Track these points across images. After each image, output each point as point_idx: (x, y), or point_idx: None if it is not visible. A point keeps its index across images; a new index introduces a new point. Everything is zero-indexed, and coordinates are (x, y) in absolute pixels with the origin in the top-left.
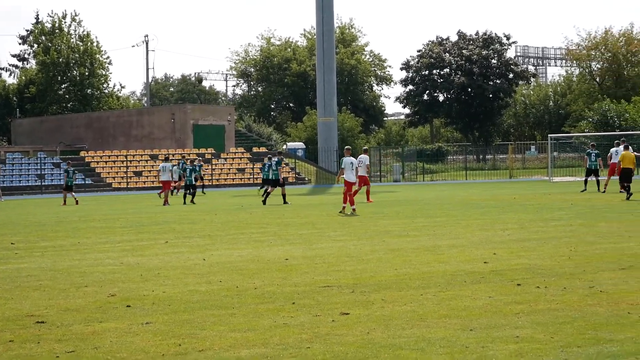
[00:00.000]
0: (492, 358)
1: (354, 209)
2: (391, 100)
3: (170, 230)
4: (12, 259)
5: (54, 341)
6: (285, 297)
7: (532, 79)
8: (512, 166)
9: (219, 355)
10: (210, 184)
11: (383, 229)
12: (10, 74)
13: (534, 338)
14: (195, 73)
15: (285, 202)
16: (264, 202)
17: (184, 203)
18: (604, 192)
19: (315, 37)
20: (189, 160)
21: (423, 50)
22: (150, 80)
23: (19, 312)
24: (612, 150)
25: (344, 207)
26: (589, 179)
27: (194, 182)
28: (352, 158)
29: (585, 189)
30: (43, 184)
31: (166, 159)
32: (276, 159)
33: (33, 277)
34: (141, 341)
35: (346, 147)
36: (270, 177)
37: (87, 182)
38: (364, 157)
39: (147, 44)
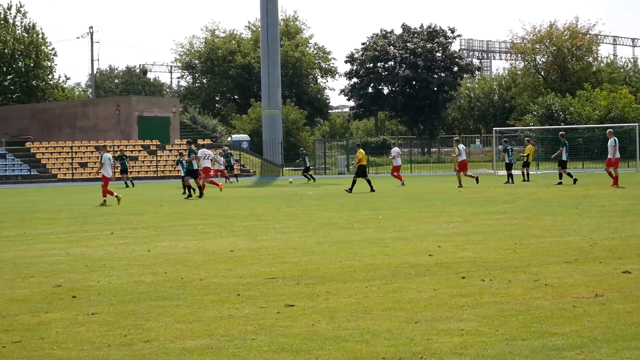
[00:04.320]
0: (437, 350)
1: (104, 201)
2: (336, 93)
3: (115, 221)
4: None
5: (0, 331)
6: (230, 289)
7: (476, 72)
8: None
9: (164, 346)
10: (155, 175)
11: (328, 221)
12: None
13: (479, 331)
14: (139, 65)
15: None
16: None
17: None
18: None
19: (259, 29)
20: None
21: (367, 43)
22: (95, 72)
23: None
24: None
25: (105, 201)
26: (512, 172)
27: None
28: (109, 154)
29: (513, 182)
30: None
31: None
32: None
33: None
34: (87, 332)
35: (103, 145)
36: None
37: (32, 173)
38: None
39: (91, 35)
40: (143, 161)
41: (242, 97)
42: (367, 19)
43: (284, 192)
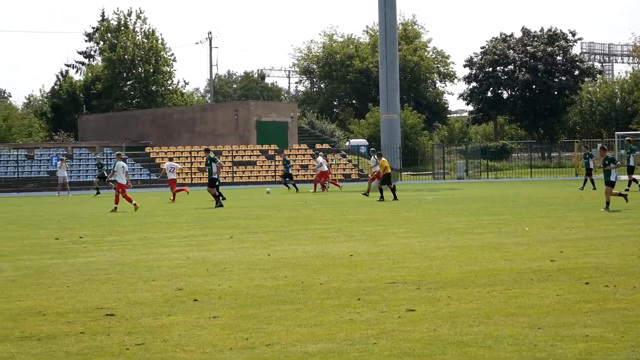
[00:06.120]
0: (561, 356)
1: (116, 208)
2: (454, 97)
3: (234, 225)
4: (81, 252)
5: (124, 333)
6: (350, 293)
7: (598, 76)
8: (578, 164)
9: (286, 349)
10: (274, 180)
11: (447, 226)
12: (77, 71)
13: (604, 337)
14: (258, 70)
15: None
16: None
17: None
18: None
19: (377, 33)
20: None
21: (487, 47)
22: (213, 77)
23: (89, 304)
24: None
25: (115, 208)
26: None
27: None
28: (122, 162)
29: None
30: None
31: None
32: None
33: (102, 270)
34: (209, 335)
35: (117, 152)
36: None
37: (152, 177)
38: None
39: (210, 40)
40: (262, 166)
41: (360, 102)
42: (487, 23)
43: (402, 197)
